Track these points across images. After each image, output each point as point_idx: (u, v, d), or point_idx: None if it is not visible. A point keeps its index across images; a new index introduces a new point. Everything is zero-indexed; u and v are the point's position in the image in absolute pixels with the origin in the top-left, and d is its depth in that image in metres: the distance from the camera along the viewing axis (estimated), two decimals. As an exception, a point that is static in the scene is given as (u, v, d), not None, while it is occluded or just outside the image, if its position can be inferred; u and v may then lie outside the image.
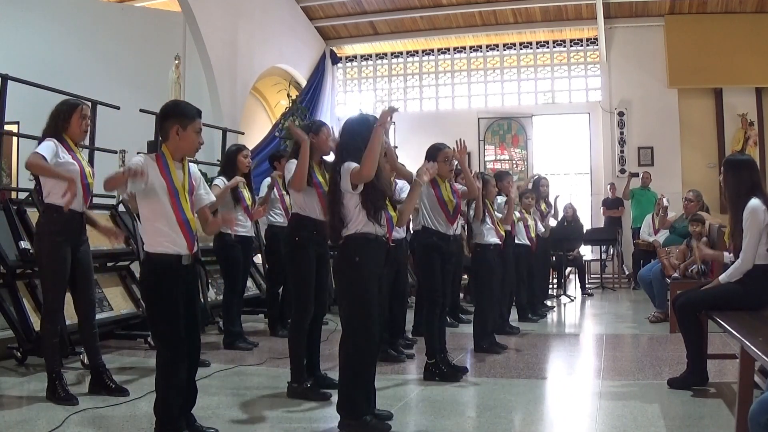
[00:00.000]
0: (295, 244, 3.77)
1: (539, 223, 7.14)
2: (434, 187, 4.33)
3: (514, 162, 12.34)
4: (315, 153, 3.83)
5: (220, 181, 5.04)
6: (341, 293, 3.18)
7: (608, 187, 11.11)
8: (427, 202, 4.33)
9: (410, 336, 5.56)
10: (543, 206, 7.39)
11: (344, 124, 3.27)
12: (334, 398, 3.28)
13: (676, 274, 6.00)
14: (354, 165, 3.03)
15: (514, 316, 6.46)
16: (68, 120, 3.67)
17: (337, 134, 3.62)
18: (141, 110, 7.12)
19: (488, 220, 5.18)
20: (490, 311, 5.20)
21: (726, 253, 4.27)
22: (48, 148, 3.50)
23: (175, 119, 2.91)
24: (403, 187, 4.81)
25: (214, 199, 3.21)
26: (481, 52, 12.79)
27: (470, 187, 4.60)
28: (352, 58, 13.55)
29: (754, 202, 3.60)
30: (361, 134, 3.14)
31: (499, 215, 5.67)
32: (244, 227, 5.26)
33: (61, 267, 3.61)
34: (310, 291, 3.74)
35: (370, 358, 3.12)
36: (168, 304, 2.82)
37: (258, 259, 6.85)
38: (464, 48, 12.88)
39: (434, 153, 4.32)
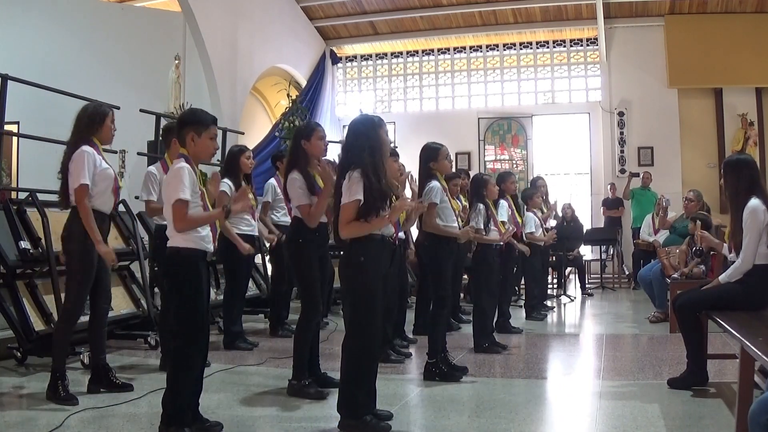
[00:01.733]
0: (297, 245, 3.78)
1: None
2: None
3: (514, 162, 12.34)
4: (310, 159, 3.82)
5: (226, 185, 4.96)
6: (346, 293, 3.21)
7: (608, 187, 11.12)
8: (441, 203, 4.34)
9: (410, 336, 5.56)
10: (543, 207, 7.40)
11: (350, 124, 3.31)
12: (334, 398, 3.28)
13: (675, 275, 6.00)
14: (356, 180, 3.02)
15: (515, 315, 6.47)
16: (102, 123, 3.76)
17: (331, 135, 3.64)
18: (141, 110, 7.13)
19: (491, 221, 5.17)
20: (490, 311, 5.20)
21: (725, 245, 4.28)
22: (83, 168, 3.60)
23: (191, 126, 3.04)
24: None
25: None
26: (481, 52, 12.79)
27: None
28: (352, 58, 13.55)
29: (754, 202, 3.60)
30: (366, 134, 3.15)
31: (504, 219, 5.68)
32: (249, 226, 5.27)
33: (89, 270, 3.66)
34: (318, 291, 3.76)
35: (373, 358, 3.12)
36: (196, 298, 2.97)
37: (257, 258, 6.84)
38: (464, 48, 12.88)
39: (434, 154, 4.35)
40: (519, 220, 6.32)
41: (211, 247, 3.05)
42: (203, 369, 3.09)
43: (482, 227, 5.09)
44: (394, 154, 5.28)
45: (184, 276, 2.96)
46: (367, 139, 3.12)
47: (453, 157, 11.77)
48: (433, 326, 4.25)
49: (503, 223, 5.71)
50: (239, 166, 5.15)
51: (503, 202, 5.86)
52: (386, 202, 3.12)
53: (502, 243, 5.32)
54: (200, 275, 2.99)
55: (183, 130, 3.04)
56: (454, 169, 6.29)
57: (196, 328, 2.96)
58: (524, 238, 6.52)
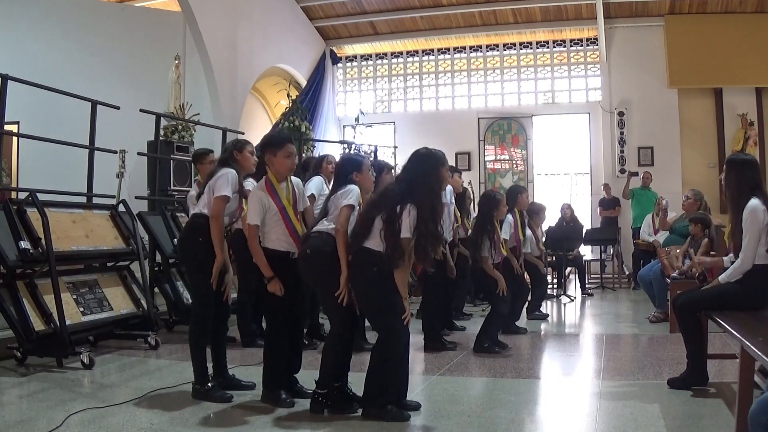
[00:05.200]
0: (200, 244, 3.65)
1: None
2: None
3: (514, 162, 12.34)
4: (241, 172, 3.83)
5: (250, 183, 4.80)
6: (365, 301, 3.31)
7: (602, 187, 11.11)
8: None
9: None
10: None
11: (414, 155, 3.41)
12: (239, 399, 3.55)
13: (675, 274, 6.00)
14: (414, 218, 3.16)
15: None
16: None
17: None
18: (141, 110, 7.13)
19: (492, 239, 5.16)
20: (504, 318, 5.24)
21: (725, 258, 4.26)
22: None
23: (266, 148, 3.58)
24: None
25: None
26: (481, 52, 12.80)
27: None
28: (352, 58, 13.56)
29: (754, 202, 3.59)
30: (431, 174, 3.29)
31: (506, 237, 5.64)
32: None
33: None
34: (210, 295, 3.68)
35: (398, 354, 3.26)
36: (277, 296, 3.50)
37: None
38: (464, 48, 12.89)
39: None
40: (521, 237, 6.13)
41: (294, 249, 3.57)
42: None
43: (488, 255, 5.10)
44: (458, 171, 5.38)
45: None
46: (429, 180, 3.27)
47: (453, 157, 11.89)
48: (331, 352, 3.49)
49: (505, 240, 5.66)
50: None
51: (509, 217, 5.78)
52: (438, 244, 3.34)
53: (500, 261, 5.33)
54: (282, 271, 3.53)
55: (263, 154, 3.64)
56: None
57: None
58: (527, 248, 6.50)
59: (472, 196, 7.29)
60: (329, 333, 3.58)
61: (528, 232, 6.60)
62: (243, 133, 9.56)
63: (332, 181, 3.86)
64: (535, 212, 7.08)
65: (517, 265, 5.83)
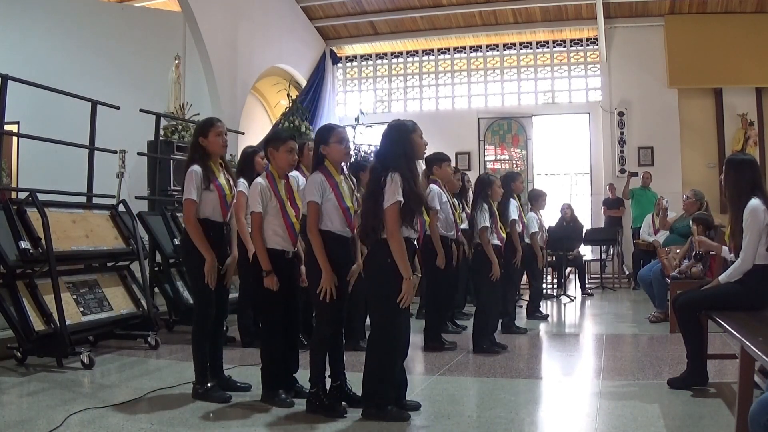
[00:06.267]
0: (192, 246, 3.60)
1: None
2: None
3: (514, 162, 12.34)
4: (213, 156, 3.72)
5: (243, 185, 4.58)
6: (372, 291, 3.31)
7: (607, 187, 11.11)
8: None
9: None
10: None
11: (385, 130, 3.39)
12: (239, 398, 3.53)
13: (675, 274, 6.00)
14: (398, 183, 3.14)
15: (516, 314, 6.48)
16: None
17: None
18: (141, 110, 7.13)
19: (492, 222, 5.16)
20: (491, 311, 5.19)
21: (725, 248, 4.28)
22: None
23: (269, 143, 3.67)
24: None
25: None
26: (481, 52, 12.80)
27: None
28: (352, 58, 13.56)
29: (755, 201, 3.60)
30: (401, 140, 3.28)
31: (514, 217, 5.65)
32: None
33: None
34: (210, 294, 3.65)
35: (398, 352, 3.26)
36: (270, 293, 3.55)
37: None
38: (464, 48, 12.89)
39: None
40: (524, 219, 6.31)
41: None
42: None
43: (488, 225, 5.08)
44: (447, 159, 5.41)
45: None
46: (403, 146, 3.27)
47: (453, 157, 11.86)
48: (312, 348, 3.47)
49: (513, 221, 5.70)
50: (254, 166, 5.08)
51: (513, 201, 5.85)
52: (422, 206, 3.31)
53: (501, 244, 5.31)
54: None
55: (266, 149, 3.68)
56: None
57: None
58: (526, 239, 6.50)
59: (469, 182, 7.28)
60: (315, 326, 3.50)
61: (532, 214, 6.78)
62: (243, 133, 9.59)
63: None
64: (535, 198, 7.12)
65: (519, 249, 5.86)
